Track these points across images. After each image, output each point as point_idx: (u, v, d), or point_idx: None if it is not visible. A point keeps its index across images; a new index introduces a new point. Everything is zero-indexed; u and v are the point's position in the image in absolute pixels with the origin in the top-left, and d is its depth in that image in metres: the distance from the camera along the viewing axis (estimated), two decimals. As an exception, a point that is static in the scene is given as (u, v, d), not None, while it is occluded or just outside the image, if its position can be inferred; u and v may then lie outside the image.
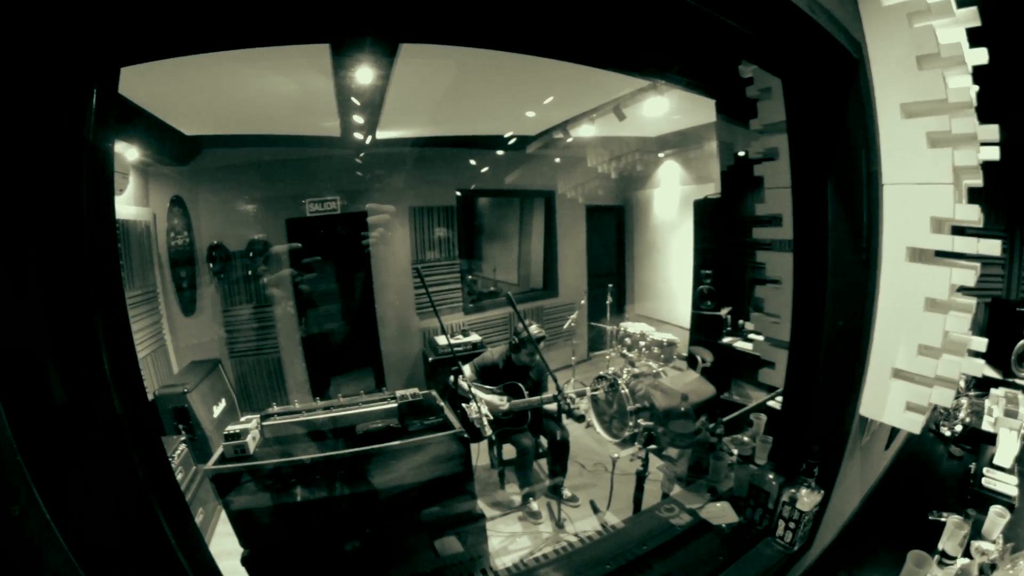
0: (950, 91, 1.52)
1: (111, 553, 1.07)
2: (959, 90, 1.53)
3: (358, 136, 4.95)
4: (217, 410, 4.35)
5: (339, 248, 5.52)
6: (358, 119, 4.44)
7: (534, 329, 3.94)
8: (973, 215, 1.57)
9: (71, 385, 0.99)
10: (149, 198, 4.45)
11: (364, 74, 3.39)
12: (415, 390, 3.19)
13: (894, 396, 1.79)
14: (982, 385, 3.23)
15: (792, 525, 1.91)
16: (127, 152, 3.85)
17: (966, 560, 1.84)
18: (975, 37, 1.64)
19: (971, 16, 1.62)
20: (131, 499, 1.12)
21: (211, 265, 5.02)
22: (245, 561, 2.57)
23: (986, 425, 2.82)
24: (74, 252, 0.98)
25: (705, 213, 5.80)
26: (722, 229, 5.50)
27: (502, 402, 3.83)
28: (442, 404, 3.20)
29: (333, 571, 2.73)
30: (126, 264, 3.99)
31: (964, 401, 2.94)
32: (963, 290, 1.68)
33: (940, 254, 1.69)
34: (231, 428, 2.64)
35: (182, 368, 4.60)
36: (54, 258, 0.96)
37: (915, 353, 1.70)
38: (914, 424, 1.75)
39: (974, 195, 1.69)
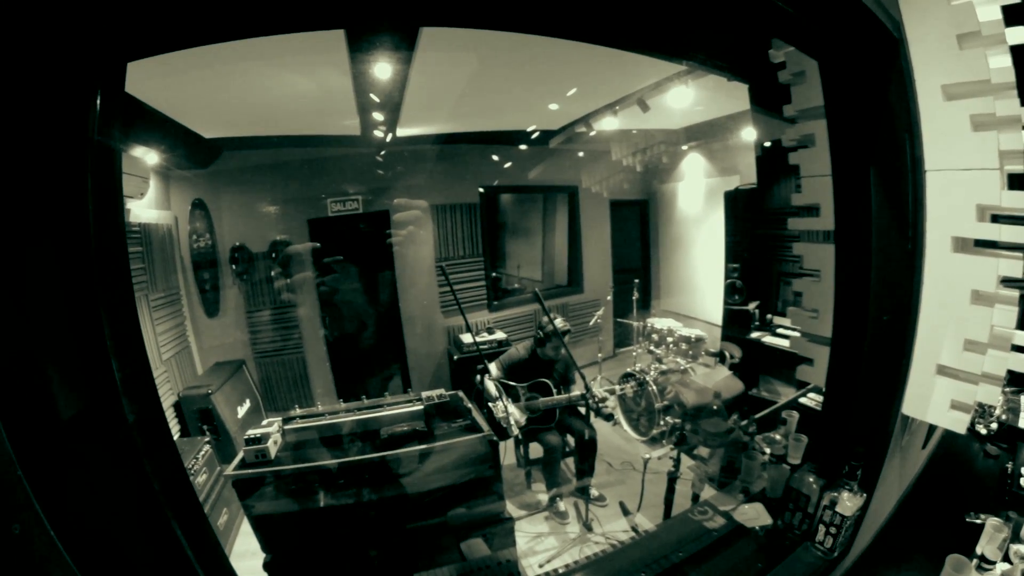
0: (992, 71, 1.43)
1: (123, 570, 1.02)
2: (1002, 70, 1.44)
3: (378, 134, 4.93)
4: (242, 411, 4.38)
5: (363, 247, 5.51)
6: (378, 116, 4.41)
7: (559, 322, 3.87)
8: (1020, 202, 1.48)
9: (77, 394, 0.94)
10: (171, 201, 4.50)
11: (382, 69, 3.33)
12: (441, 391, 3.14)
13: (938, 394, 1.71)
14: (1017, 381, 3.10)
15: (833, 530, 1.87)
16: (147, 156, 3.86)
17: (1007, 565, 1.77)
18: (1010, 15, 1.54)
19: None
20: (144, 511, 1.07)
21: (234, 267, 5.05)
22: (267, 566, 2.54)
23: (1022, 423, 2.72)
24: (79, 254, 0.94)
25: (737, 204, 5.68)
26: (755, 220, 5.38)
27: (521, 417, 3.76)
28: (469, 405, 3.14)
29: (357, 576, 2.69)
30: (148, 267, 4.02)
31: (1000, 398, 2.82)
32: (1006, 282, 1.59)
33: (980, 243, 1.60)
34: (252, 432, 2.61)
35: (207, 369, 4.64)
36: (57, 262, 0.91)
37: (961, 349, 1.63)
38: (959, 423, 1.68)
39: (1014, 182, 1.59)
